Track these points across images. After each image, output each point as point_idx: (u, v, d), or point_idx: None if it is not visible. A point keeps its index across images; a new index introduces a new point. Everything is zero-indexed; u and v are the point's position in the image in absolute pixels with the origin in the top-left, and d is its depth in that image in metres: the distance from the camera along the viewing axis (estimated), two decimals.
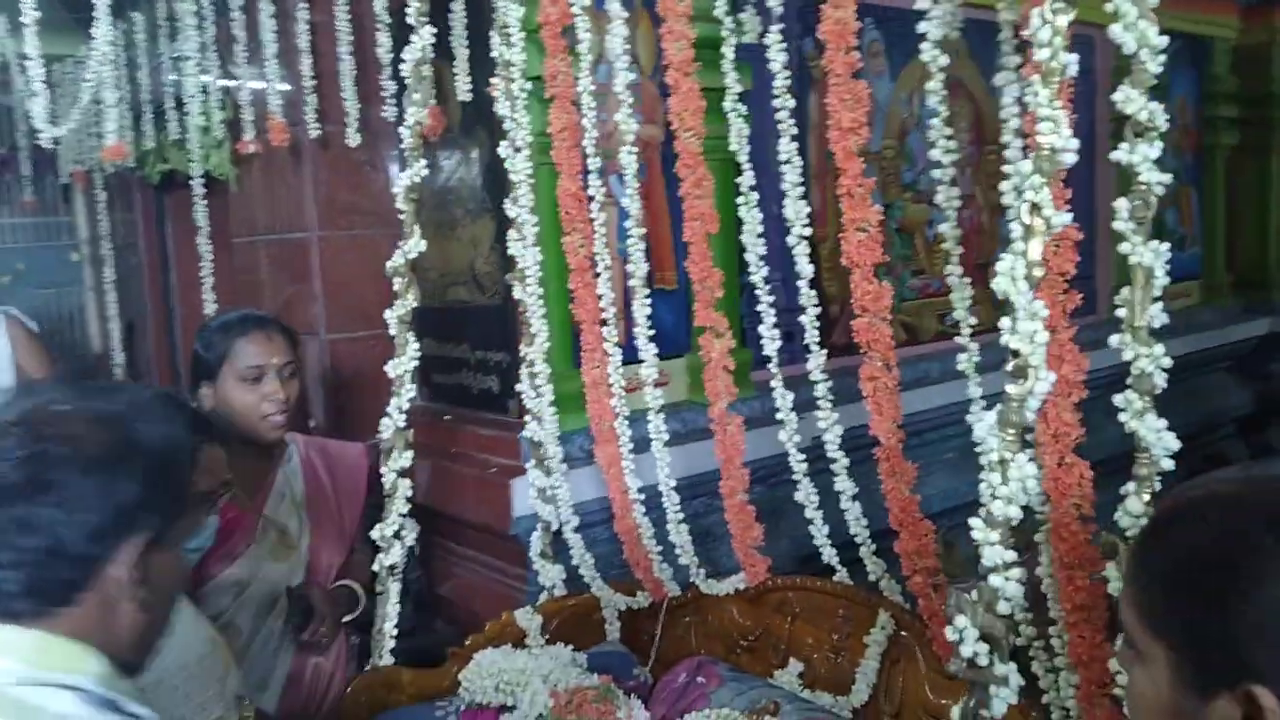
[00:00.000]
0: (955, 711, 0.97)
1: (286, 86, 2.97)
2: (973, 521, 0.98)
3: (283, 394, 1.88)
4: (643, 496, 2.12)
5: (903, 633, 1.74)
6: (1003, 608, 0.95)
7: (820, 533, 1.86)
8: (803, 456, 1.82)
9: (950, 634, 0.97)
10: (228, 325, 1.91)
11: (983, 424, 0.98)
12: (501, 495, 2.46)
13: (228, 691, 1.52)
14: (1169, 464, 1.13)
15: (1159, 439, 1.13)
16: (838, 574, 1.91)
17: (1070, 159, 0.98)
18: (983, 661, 0.95)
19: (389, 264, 2.12)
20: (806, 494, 1.82)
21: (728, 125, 1.98)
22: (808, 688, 1.87)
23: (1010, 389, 0.97)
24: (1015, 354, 0.97)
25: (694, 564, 2.02)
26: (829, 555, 1.89)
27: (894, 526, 1.58)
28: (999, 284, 0.97)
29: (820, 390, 1.73)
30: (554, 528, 2.28)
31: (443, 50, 2.48)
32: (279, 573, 1.89)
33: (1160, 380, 1.13)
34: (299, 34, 2.88)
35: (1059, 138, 0.96)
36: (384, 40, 2.78)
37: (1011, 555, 0.95)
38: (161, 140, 3.70)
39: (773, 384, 1.85)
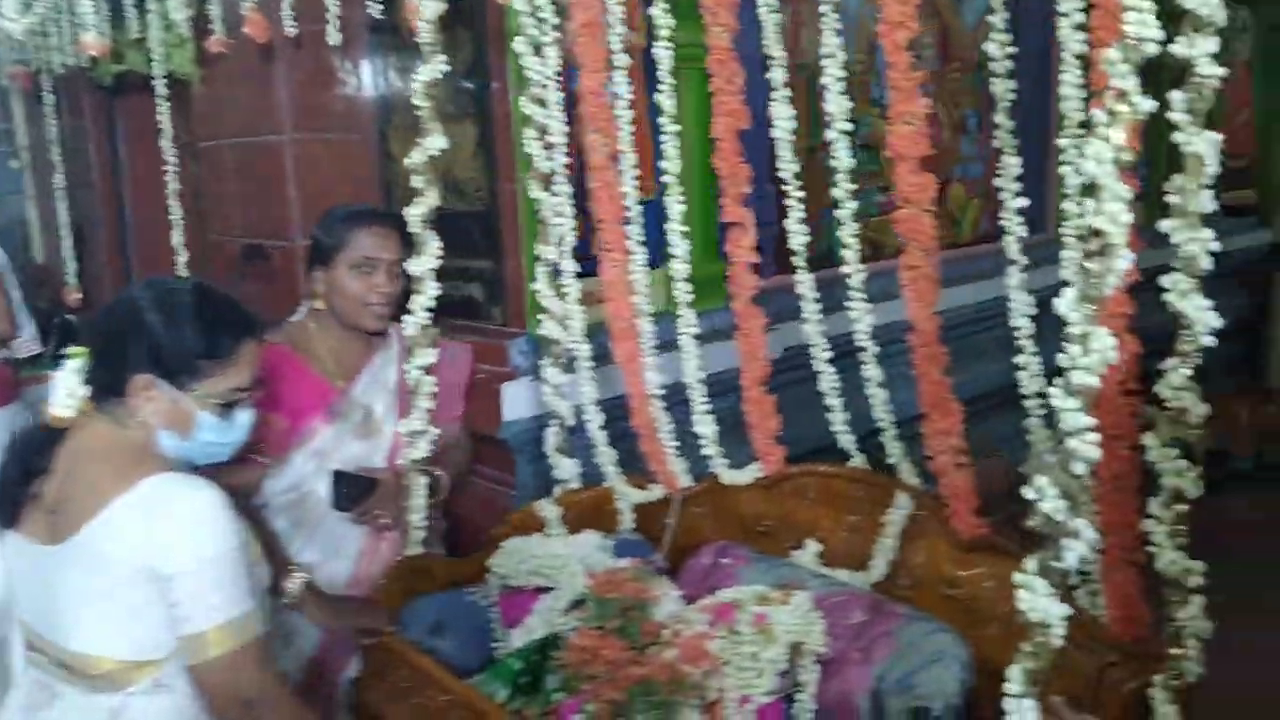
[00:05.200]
0: (1031, 563, 1.07)
1: None
2: (1052, 390, 1.06)
3: (389, 288, 1.97)
4: (663, 392, 2.19)
5: (920, 512, 1.86)
6: (1078, 468, 1.04)
7: (839, 419, 1.95)
8: (827, 345, 1.90)
9: (1030, 492, 1.06)
10: (351, 215, 2.00)
11: (1064, 300, 1.06)
12: (492, 401, 2.52)
13: (256, 581, 1.57)
14: (1210, 340, 1.23)
15: (1202, 317, 1.22)
16: (853, 460, 2.01)
17: (1152, 49, 1.04)
18: (1059, 516, 1.04)
19: (408, 160, 2.10)
20: (828, 382, 1.90)
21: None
22: (826, 566, 1.99)
23: (1091, 265, 1.05)
24: (1098, 233, 1.04)
25: (718, 453, 2.10)
26: (846, 441, 1.99)
27: (924, 409, 1.67)
28: (1087, 167, 1.04)
29: (855, 283, 1.80)
30: (569, 424, 2.34)
31: None
32: (359, 450, 2.00)
33: (1207, 263, 1.22)
34: None
35: (1146, 29, 1.02)
36: None
37: (1090, 420, 1.03)
38: (118, 39, 3.50)
39: (799, 278, 1.91)
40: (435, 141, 2.09)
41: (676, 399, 2.24)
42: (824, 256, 3.58)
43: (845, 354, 1.99)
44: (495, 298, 2.73)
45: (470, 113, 2.66)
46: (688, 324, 2.09)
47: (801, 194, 1.88)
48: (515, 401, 2.54)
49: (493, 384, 2.54)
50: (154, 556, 1.41)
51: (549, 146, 2.21)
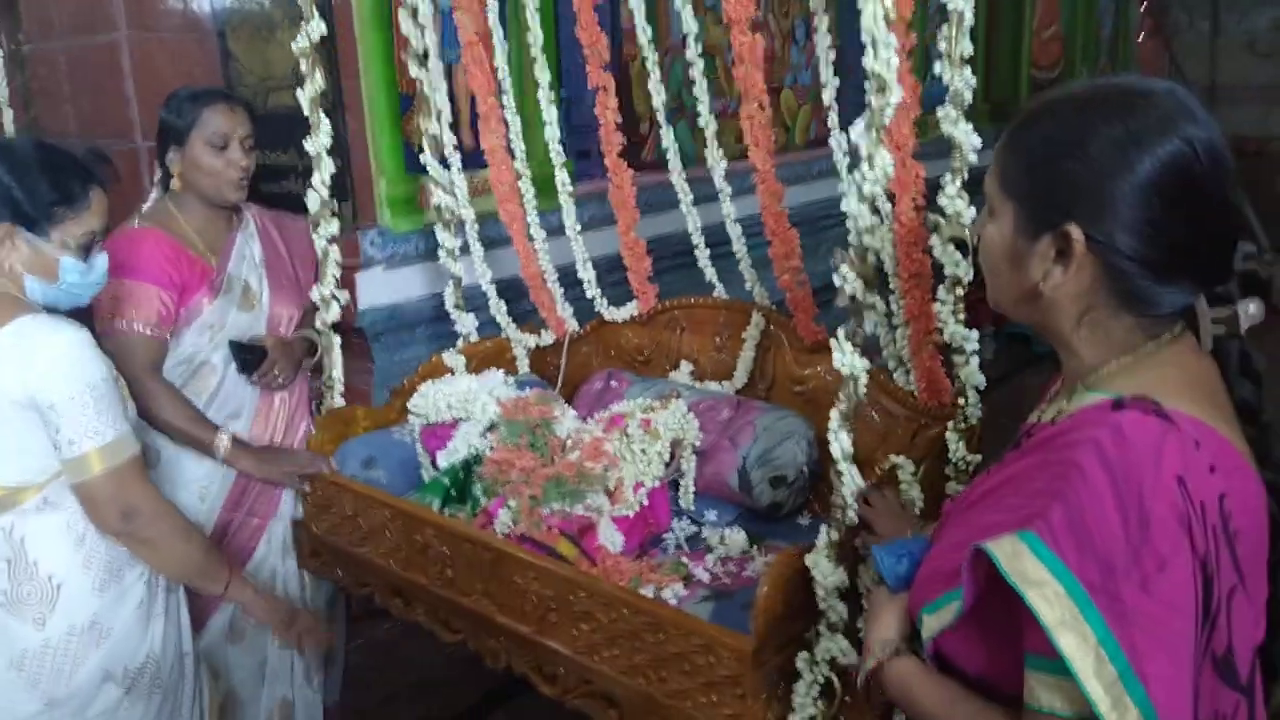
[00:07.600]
0: (840, 331, 1.42)
1: None
2: (844, 205, 1.39)
3: (245, 161, 2.09)
4: (547, 245, 2.47)
5: (771, 327, 2.22)
6: (871, 259, 1.38)
7: (703, 256, 2.28)
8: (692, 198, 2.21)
9: (836, 279, 1.39)
10: (196, 95, 2.09)
11: (856, 129, 1.38)
12: (346, 292, 2.58)
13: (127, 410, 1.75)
14: (973, 158, 1.57)
15: (967, 140, 1.56)
16: (716, 290, 2.35)
17: None
18: (860, 296, 1.39)
19: (295, 45, 2.26)
20: (687, 206, 2.22)
21: None
22: (698, 381, 2.34)
23: (874, 100, 1.36)
24: (878, 75, 1.35)
25: (598, 294, 2.41)
26: (710, 275, 2.32)
27: (768, 237, 2.00)
28: (865, 22, 1.34)
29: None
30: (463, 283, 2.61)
31: None
32: (245, 321, 2.17)
33: (969, 97, 1.55)
34: None
35: None
36: None
37: (875, 219, 1.37)
38: None
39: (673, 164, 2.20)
40: (316, 26, 2.24)
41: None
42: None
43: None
44: (343, 195, 2.82)
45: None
46: (563, 182, 2.35)
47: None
48: (369, 291, 2.73)
49: (346, 276, 2.59)
50: (33, 387, 1.54)
51: (421, 27, 2.39)
